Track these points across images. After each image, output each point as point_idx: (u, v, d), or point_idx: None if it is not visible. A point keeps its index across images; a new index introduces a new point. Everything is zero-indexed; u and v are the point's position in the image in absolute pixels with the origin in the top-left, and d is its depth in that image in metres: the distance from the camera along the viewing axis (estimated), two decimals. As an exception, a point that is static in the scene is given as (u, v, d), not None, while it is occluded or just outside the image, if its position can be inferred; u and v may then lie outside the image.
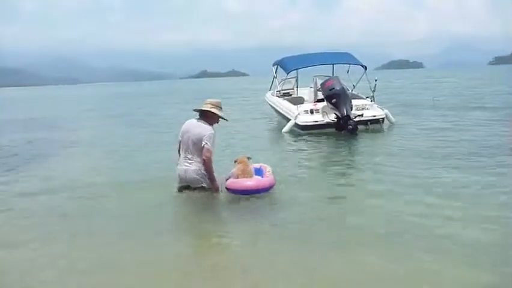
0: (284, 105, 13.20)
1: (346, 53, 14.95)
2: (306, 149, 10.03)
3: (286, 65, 14.45)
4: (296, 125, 11.76)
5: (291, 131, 11.84)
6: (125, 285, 3.81)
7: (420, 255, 3.98)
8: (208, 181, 5.67)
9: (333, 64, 14.51)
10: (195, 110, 5.88)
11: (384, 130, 11.81)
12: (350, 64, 14.37)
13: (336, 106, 11.25)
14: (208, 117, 5.69)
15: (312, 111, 11.83)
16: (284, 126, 12.13)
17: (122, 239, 4.73)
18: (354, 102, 11.79)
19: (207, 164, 5.56)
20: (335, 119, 11.21)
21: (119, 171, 8.14)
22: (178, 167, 5.73)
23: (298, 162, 8.53)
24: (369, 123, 11.54)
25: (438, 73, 71.37)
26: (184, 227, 5.38)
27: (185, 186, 5.77)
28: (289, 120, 12.05)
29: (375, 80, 12.87)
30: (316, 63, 14.14)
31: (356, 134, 10.86)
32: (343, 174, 7.61)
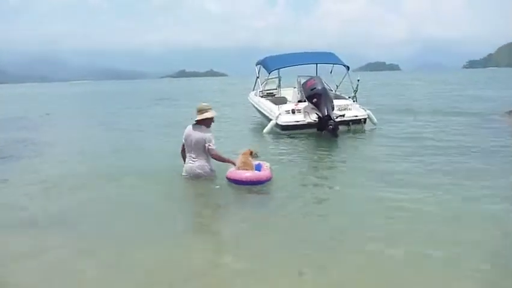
0: (266, 105, 12.94)
1: (329, 53, 14.78)
2: (286, 149, 9.80)
3: (268, 64, 14.18)
4: (277, 125, 11.52)
5: (272, 132, 11.59)
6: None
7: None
8: (208, 172, 6.75)
9: (316, 64, 14.32)
10: (193, 125, 6.81)
11: (366, 131, 11.66)
12: (333, 64, 14.25)
13: (317, 106, 11.08)
14: (204, 121, 6.77)
15: (293, 111, 11.61)
16: (265, 126, 11.89)
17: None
18: (336, 102, 11.64)
19: (216, 158, 6.72)
20: (316, 119, 11.02)
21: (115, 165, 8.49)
22: (185, 164, 6.87)
23: (278, 162, 8.02)
24: (351, 123, 11.39)
25: (413, 76, 72.36)
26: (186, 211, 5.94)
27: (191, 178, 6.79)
28: (271, 120, 11.82)
29: (358, 80, 12.76)
30: (299, 63, 13.90)
31: (337, 135, 10.66)
32: (321, 175, 7.49)
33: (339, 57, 14.35)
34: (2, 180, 7.42)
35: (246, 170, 6.38)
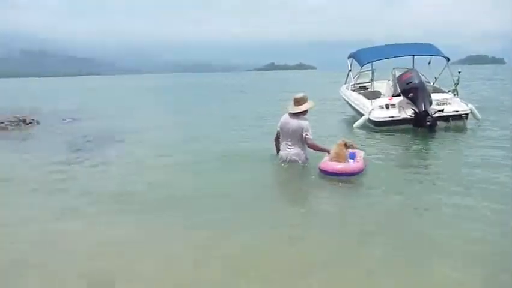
0: (358, 100, 12.52)
1: (428, 44, 13.87)
2: (378, 145, 9.33)
3: (361, 57, 13.68)
4: (370, 120, 11.10)
5: (363, 127, 11.20)
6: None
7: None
8: (304, 160, 6.99)
9: (413, 56, 13.52)
10: (289, 114, 7.07)
11: (468, 128, 10.76)
12: (431, 56, 13.33)
13: (413, 101, 10.52)
14: (300, 113, 6.99)
15: (387, 106, 11.10)
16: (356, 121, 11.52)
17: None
18: (435, 96, 10.95)
19: (312, 147, 6.95)
20: (412, 115, 10.45)
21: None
22: (281, 152, 7.14)
23: (369, 157, 7.57)
24: (450, 119, 10.64)
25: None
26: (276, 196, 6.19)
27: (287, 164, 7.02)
28: (363, 115, 11.43)
29: (459, 73, 11.86)
30: (394, 55, 13.22)
31: (435, 131, 10.06)
32: (415, 176, 6.86)
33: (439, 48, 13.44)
34: (103, 163, 8.09)
35: (339, 161, 6.52)
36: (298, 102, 7.01)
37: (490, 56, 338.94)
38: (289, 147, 6.99)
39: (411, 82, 10.60)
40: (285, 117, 7.10)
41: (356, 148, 7.00)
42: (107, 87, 51.45)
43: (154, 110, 19.79)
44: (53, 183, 6.64)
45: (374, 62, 13.50)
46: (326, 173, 6.50)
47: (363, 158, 6.83)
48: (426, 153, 8.70)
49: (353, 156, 6.76)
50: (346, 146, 6.74)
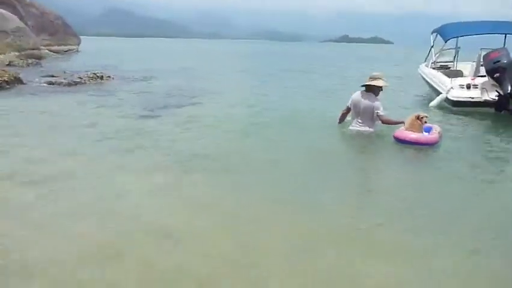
0: (437, 77, 11.90)
1: None
2: (454, 127, 8.78)
3: (446, 31, 12.90)
4: (447, 100, 10.55)
5: (440, 107, 10.66)
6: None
7: None
8: (371, 130, 7.34)
9: (505, 35, 12.49)
10: (362, 85, 7.38)
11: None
12: None
13: (499, 82, 9.84)
14: (373, 89, 7.24)
15: (468, 87, 10.47)
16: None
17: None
18: None
19: (387, 122, 7.27)
20: (496, 97, 9.79)
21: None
22: (351, 127, 7.44)
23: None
24: None
25: None
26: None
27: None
28: (441, 94, 10.86)
29: None
30: (482, 32, 12.36)
31: None
32: (487, 159, 6.60)
33: None
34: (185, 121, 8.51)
35: (413, 131, 6.84)
36: (374, 79, 7.27)
37: None
38: (360, 124, 7.34)
39: (499, 61, 9.89)
40: (357, 95, 7.38)
41: (427, 122, 7.13)
42: (184, 50, 52.62)
43: (227, 74, 20.10)
44: (125, 138, 7.11)
45: (459, 38, 12.68)
46: (399, 141, 6.84)
47: (439, 133, 7.02)
48: (505, 141, 8.01)
49: (429, 130, 7.05)
50: (418, 118, 6.99)
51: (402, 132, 6.90)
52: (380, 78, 7.29)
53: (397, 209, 4.52)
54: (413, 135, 6.79)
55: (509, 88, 9.59)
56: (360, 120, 7.35)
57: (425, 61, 14.11)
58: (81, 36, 36.03)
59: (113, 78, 15.11)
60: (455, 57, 13.21)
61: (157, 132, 7.58)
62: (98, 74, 14.95)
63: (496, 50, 10.54)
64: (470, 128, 8.96)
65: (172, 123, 8.37)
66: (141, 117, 8.84)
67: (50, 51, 27.32)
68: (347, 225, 4.08)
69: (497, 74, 9.85)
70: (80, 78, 14.30)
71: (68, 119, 8.52)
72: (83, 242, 3.60)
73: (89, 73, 15.06)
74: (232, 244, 3.65)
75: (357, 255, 3.48)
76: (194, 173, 5.45)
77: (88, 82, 14.09)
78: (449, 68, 13.02)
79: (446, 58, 13.54)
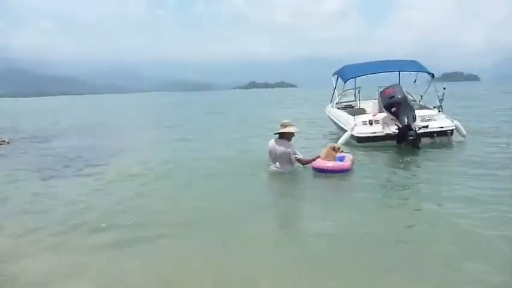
0: (342, 117, 12.22)
1: (412, 61, 13.57)
2: (360, 161, 8.86)
3: (345, 73, 13.41)
4: (352, 136, 10.80)
5: (347, 143, 10.85)
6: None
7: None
8: (290, 169, 7.77)
9: (398, 72, 13.31)
10: (276, 133, 7.87)
11: (454, 144, 10.50)
12: (416, 72, 13.06)
13: (396, 116, 10.23)
14: (286, 136, 7.79)
15: (371, 122, 10.83)
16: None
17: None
18: (419, 112, 10.69)
19: (304, 163, 7.82)
20: (396, 131, 10.16)
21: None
22: (270, 168, 7.86)
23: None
24: (435, 135, 10.36)
25: (496, 87, 66.04)
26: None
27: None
28: (346, 131, 11.11)
29: (444, 89, 11.65)
30: (377, 71, 12.94)
31: (418, 148, 9.74)
32: (390, 192, 6.77)
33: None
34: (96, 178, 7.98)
35: (328, 160, 7.65)
36: (284, 126, 7.76)
37: (465, 73, 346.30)
38: (278, 167, 7.77)
39: (393, 96, 10.34)
40: (272, 143, 7.87)
41: (343, 152, 8.05)
42: (89, 106, 50.64)
43: (129, 130, 19.27)
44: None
45: (358, 79, 13.25)
46: (318, 171, 7.59)
47: (352, 160, 7.84)
48: (407, 169, 8.32)
49: (342, 159, 7.86)
50: (334, 149, 7.90)
51: (320, 162, 7.66)
52: (291, 125, 7.78)
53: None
54: (328, 164, 7.59)
55: (406, 120, 10.00)
56: (278, 165, 7.77)
57: (331, 102, 14.53)
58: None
59: (8, 142, 13.56)
60: (355, 96, 13.78)
61: (53, 195, 6.81)
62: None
63: (390, 86, 11.07)
64: (376, 159, 9.22)
65: (70, 185, 7.58)
66: (36, 181, 7.93)
67: None
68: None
69: (394, 109, 10.26)
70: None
71: None
72: None
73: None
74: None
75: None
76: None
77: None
78: (353, 107, 13.48)
79: (350, 98, 14.05)
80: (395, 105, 10.22)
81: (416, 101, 12.33)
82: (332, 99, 14.53)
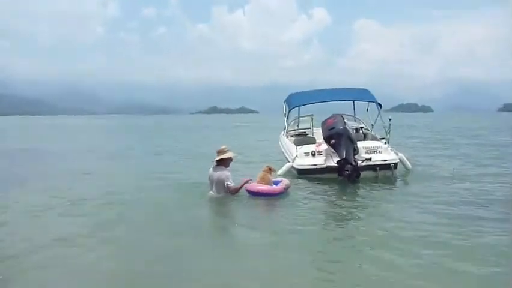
0: (287, 145, 11.65)
1: (362, 89, 13.19)
2: (299, 191, 8.52)
3: (291, 101, 12.97)
4: (293, 168, 10.18)
5: (288, 174, 10.17)
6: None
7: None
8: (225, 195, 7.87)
9: (351, 101, 13.08)
10: (213, 161, 7.99)
11: (398, 178, 10.03)
12: (364, 101, 12.71)
13: (334, 148, 9.74)
14: (223, 162, 7.93)
15: (314, 154, 10.24)
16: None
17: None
18: (364, 144, 10.28)
19: (234, 192, 7.82)
20: (337, 163, 9.61)
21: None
22: (210, 192, 7.99)
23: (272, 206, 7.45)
24: (378, 168, 9.83)
25: (445, 118, 68.19)
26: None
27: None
28: (288, 162, 10.49)
29: (389, 120, 11.20)
30: (323, 100, 12.52)
31: (355, 182, 9.18)
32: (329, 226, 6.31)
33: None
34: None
35: (263, 184, 7.82)
36: (220, 152, 7.90)
37: (419, 105, 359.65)
38: (215, 193, 7.91)
39: (333, 128, 9.86)
40: (210, 170, 8.05)
41: (274, 172, 8.34)
42: (41, 127, 48.44)
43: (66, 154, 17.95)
44: None
45: (316, 106, 12.70)
46: (252, 194, 7.74)
47: (286, 185, 8.02)
48: (339, 205, 7.69)
49: (277, 183, 8.04)
50: (270, 170, 8.11)
51: (253, 185, 7.81)
52: (227, 151, 7.94)
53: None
54: (260, 187, 7.77)
55: (344, 153, 9.42)
56: (215, 190, 7.90)
57: (284, 129, 13.74)
58: None
59: None
60: (311, 124, 13.01)
61: None
62: None
63: (332, 116, 10.49)
64: (314, 189, 8.79)
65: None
66: None
67: None
68: None
69: (333, 141, 9.73)
70: None
71: None
72: None
73: None
74: None
75: None
76: None
77: None
78: (307, 134, 12.77)
79: (305, 125, 13.35)
80: (334, 136, 9.74)
81: (368, 130, 11.97)
82: (285, 126, 13.76)
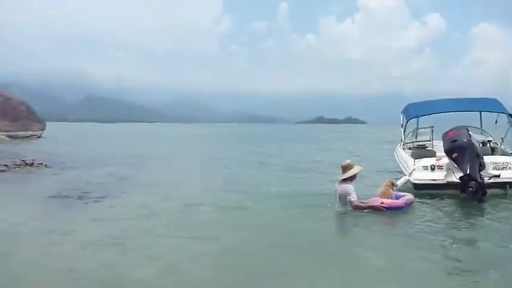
0: (404, 158, 11.20)
1: (490, 99, 12.15)
2: (412, 212, 8.03)
3: (408, 111, 12.48)
4: (409, 182, 9.76)
5: (406, 188, 9.75)
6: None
7: None
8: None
9: (480, 111, 12.12)
10: (339, 179, 8.03)
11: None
12: (494, 112, 11.70)
13: (456, 162, 9.07)
14: (349, 178, 7.92)
15: (433, 168, 9.69)
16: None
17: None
18: (491, 159, 9.53)
19: (357, 208, 7.70)
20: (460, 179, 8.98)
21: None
22: (335, 205, 8.04)
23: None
24: (508, 186, 9.05)
25: None
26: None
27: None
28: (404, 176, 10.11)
29: None
30: (445, 111, 11.89)
31: (482, 201, 8.41)
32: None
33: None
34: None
35: (384, 198, 7.84)
36: (345, 169, 7.89)
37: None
38: (340, 207, 7.91)
39: (456, 140, 9.21)
40: (337, 185, 8.05)
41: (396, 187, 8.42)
42: (154, 134, 52.50)
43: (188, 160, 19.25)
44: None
45: (436, 117, 12.14)
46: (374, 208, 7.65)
47: (408, 199, 7.93)
48: (464, 227, 7.17)
49: (399, 198, 7.96)
50: (393, 185, 8.23)
51: (374, 199, 7.84)
52: (351, 167, 7.90)
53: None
54: (383, 202, 7.73)
55: (468, 169, 8.70)
56: (340, 204, 7.89)
57: (401, 141, 13.14)
58: (59, 122, 35.85)
59: (46, 165, 13.89)
60: (431, 136, 12.29)
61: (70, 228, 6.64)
62: (27, 161, 13.72)
63: (455, 128, 9.85)
64: (435, 205, 8.41)
65: (88, 216, 7.48)
66: (51, 211, 7.85)
67: (9, 136, 26.68)
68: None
69: (455, 154, 9.09)
70: (6, 165, 13.07)
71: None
72: None
73: (16, 160, 13.81)
74: None
75: None
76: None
77: (14, 170, 12.95)
78: (426, 147, 12.05)
79: (424, 137, 12.58)
80: (457, 150, 9.09)
81: (497, 144, 11.11)
82: (402, 138, 13.16)
